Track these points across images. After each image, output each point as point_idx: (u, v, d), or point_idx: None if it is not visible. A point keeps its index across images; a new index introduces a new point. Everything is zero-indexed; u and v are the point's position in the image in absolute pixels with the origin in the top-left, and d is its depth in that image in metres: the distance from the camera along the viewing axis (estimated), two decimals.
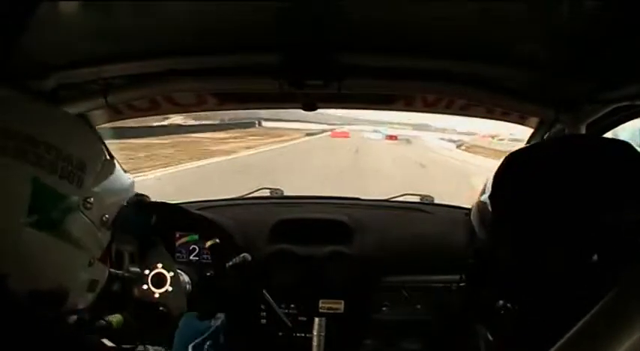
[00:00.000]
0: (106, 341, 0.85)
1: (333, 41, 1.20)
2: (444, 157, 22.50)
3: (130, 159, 10.66)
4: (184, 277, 1.27)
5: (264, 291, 1.39)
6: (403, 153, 23.04)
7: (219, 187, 7.88)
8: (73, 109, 1.34)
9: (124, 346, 0.89)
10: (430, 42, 1.17)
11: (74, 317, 0.77)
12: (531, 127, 1.63)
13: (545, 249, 0.68)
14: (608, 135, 1.42)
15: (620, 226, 0.64)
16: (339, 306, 1.79)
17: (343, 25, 1.07)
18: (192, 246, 1.76)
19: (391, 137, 34.77)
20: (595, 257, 0.64)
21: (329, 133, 36.98)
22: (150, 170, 11.34)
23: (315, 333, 1.48)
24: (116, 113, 1.60)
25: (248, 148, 19.88)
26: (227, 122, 31.50)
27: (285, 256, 1.80)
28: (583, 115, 1.33)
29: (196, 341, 1.18)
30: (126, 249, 0.92)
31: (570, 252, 0.66)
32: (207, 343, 1.19)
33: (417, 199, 2.25)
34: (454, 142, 34.60)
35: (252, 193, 2.25)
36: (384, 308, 1.81)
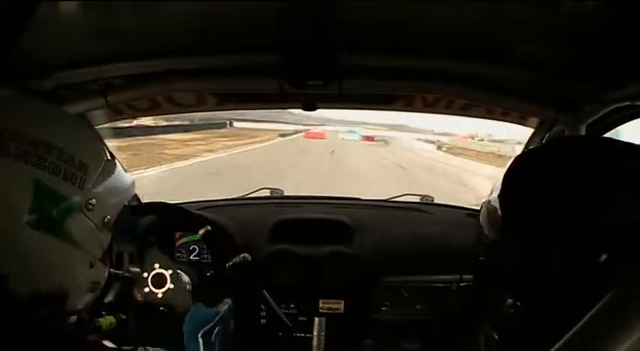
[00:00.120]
0: (106, 342, 0.85)
1: (333, 41, 1.20)
2: (433, 160, 21.55)
3: None
4: (184, 277, 1.27)
5: (264, 291, 1.39)
6: (384, 155, 22.26)
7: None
8: (73, 109, 1.34)
9: (124, 347, 0.89)
10: (430, 42, 1.17)
11: (74, 317, 0.77)
12: (531, 127, 1.63)
13: (545, 249, 0.68)
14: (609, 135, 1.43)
15: (621, 226, 0.65)
16: (339, 306, 1.79)
17: (343, 25, 1.07)
18: (192, 246, 1.76)
19: (368, 138, 33.47)
20: (595, 257, 0.65)
21: (303, 133, 34.37)
22: None
23: (315, 333, 1.47)
24: (116, 113, 1.60)
25: (209, 151, 18.26)
26: (197, 123, 28.26)
27: (285, 256, 1.80)
28: (583, 116, 1.33)
29: (204, 329, 1.18)
30: (125, 249, 0.92)
31: (570, 252, 0.66)
32: (216, 329, 1.19)
33: (417, 199, 2.25)
34: (433, 143, 33.94)
35: (253, 193, 2.25)
36: (384, 308, 1.81)
